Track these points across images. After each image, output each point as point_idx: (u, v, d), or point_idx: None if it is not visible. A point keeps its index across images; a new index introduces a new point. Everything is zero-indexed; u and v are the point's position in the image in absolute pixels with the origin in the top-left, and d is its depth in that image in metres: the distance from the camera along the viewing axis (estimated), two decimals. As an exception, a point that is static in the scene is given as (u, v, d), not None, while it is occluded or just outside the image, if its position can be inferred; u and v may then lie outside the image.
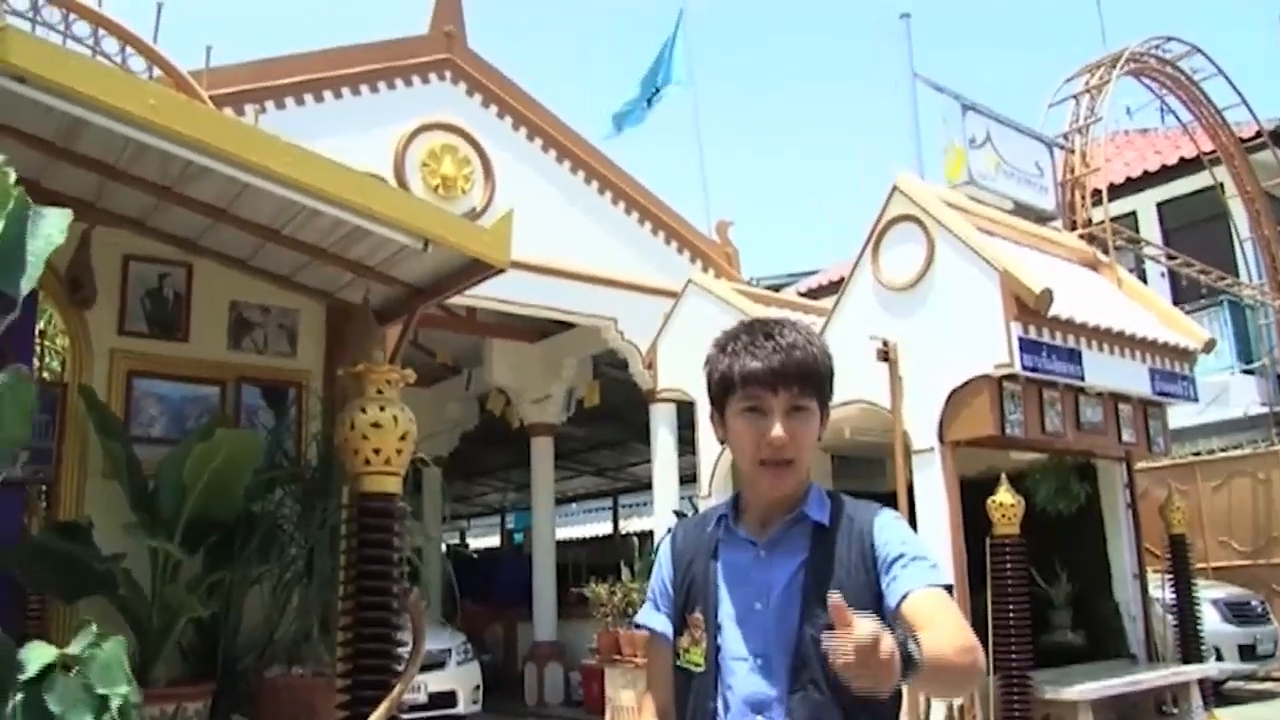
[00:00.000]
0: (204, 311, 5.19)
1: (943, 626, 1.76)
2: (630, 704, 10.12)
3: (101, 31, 5.53)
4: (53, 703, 2.63)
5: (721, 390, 1.98)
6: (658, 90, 14.32)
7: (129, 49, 5.56)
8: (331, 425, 4.84)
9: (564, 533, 22.84)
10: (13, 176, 2.56)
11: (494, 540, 27.89)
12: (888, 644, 1.55)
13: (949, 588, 1.87)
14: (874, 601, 1.84)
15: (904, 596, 1.83)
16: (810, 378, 1.93)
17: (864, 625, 1.53)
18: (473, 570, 17.71)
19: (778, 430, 1.89)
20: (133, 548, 4.48)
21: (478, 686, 11.18)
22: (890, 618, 1.80)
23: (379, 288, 4.96)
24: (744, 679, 1.90)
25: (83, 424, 4.75)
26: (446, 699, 10.72)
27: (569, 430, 15.13)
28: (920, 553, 1.89)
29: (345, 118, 9.95)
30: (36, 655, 2.81)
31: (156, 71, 5.68)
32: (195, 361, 5.12)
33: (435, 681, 10.59)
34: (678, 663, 2.00)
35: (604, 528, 24.54)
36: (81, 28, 5.49)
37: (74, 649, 2.77)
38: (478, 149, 10.92)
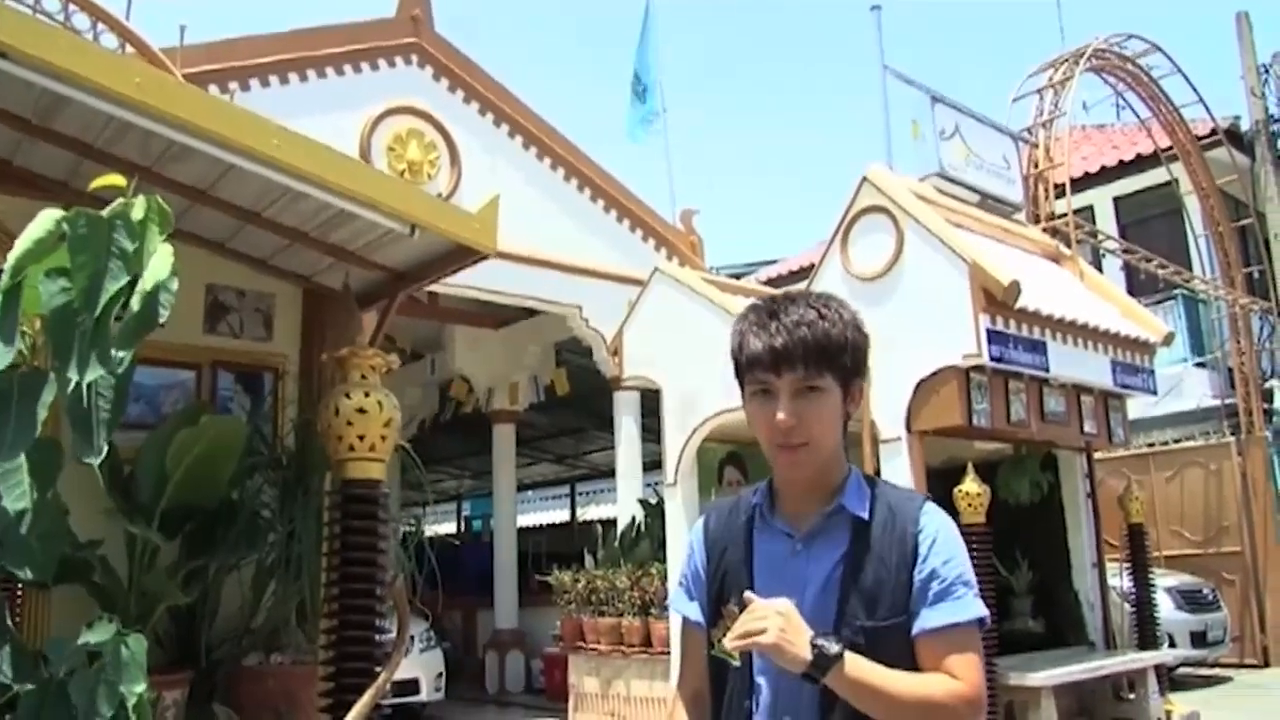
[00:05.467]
0: (179, 295, 5.08)
1: (924, 678, 1.77)
2: (594, 690, 10.15)
3: (72, 7, 5.42)
4: (76, 697, 2.60)
5: (736, 373, 1.94)
6: (641, 84, 14.22)
7: (100, 25, 5.45)
8: (310, 410, 4.79)
9: (521, 520, 22.77)
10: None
11: (450, 527, 27.76)
12: (783, 605, 1.70)
13: (980, 620, 1.82)
14: (910, 602, 1.83)
15: (925, 632, 1.81)
16: (820, 355, 1.83)
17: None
18: (431, 557, 17.60)
19: (780, 414, 1.82)
20: (109, 534, 4.41)
21: (440, 674, 11.17)
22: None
23: (359, 272, 4.91)
24: (776, 676, 1.85)
25: (57, 408, 4.66)
26: (409, 686, 10.67)
27: (530, 417, 15.10)
28: (958, 575, 1.84)
29: (311, 100, 9.84)
30: (62, 650, 2.78)
31: (129, 49, 5.58)
32: (170, 345, 5.01)
33: (398, 669, 10.53)
34: (712, 652, 1.96)
35: (561, 515, 24.50)
36: (52, 3, 5.37)
37: (93, 640, 2.73)
38: (444, 134, 10.87)
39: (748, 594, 1.79)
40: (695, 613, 2.03)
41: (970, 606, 1.82)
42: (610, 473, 12.74)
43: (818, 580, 1.85)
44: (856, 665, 1.70)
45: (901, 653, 1.78)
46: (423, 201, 4.32)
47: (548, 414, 15.63)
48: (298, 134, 3.91)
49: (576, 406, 14.91)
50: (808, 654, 1.67)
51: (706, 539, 2.06)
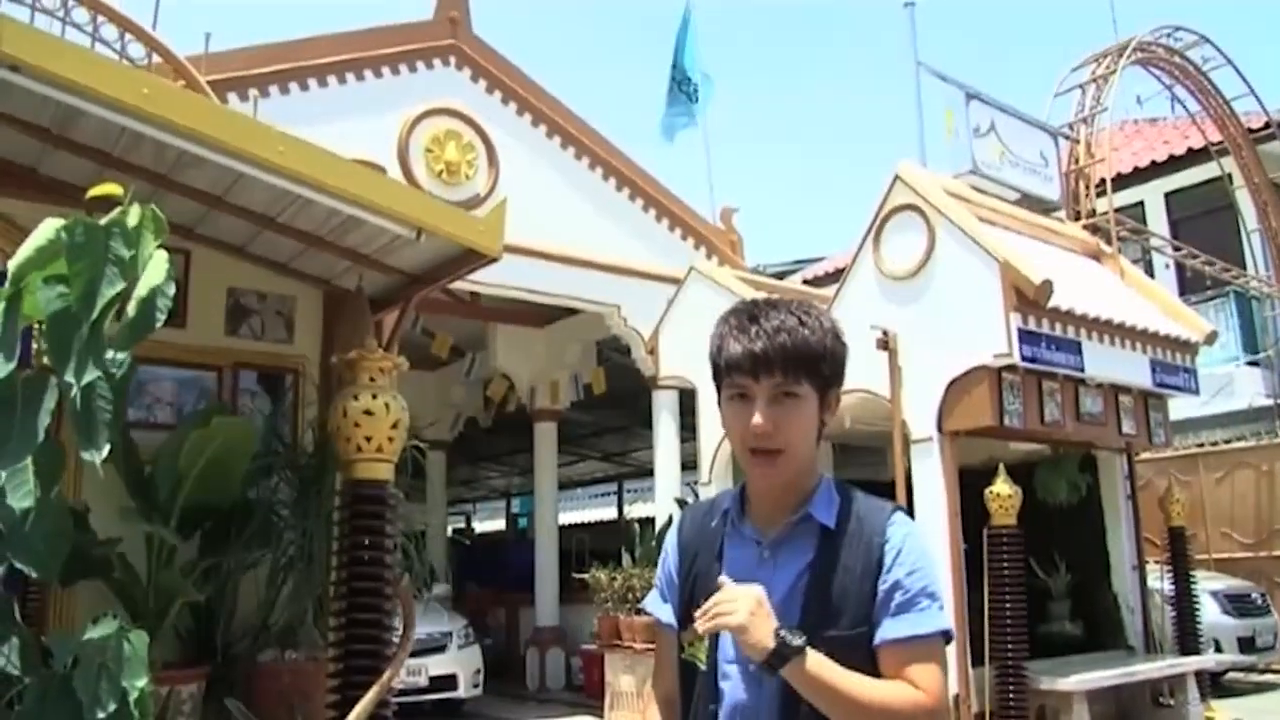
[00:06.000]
0: (201, 298, 5.19)
1: (885, 684, 1.77)
2: (629, 689, 10.18)
3: (101, 18, 5.55)
4: (81, 691, 2.69)
5: (714, 376, 1.94)
6: (690, 84, 14.19)
7: (128, 35, 5.57)
8: (327, 412, 4.86)
9: (569, 517, 22.89)
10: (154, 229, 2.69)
11: (500, 524, 27.97)
12: (757, 590, 1.73)
13: (944, 633, 1.82)
14: (874, 613, 1.83)
15: (885, 642, 1.80)
16: (799, 361, 1.83)
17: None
18: (477, 554, 17.77)
19: (757, 418, 1.82)
20: (129, 532, 4.51)
21: (479, 670, 11.26)
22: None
23: (375, 275, 4.98)
24: (736, 684, 1.87)
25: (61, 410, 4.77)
26: (447, 682, 10.81)
27: (573, 415, 15.17)
28: (923, 585, 1.83)
29: (350, 103, 9.98)
30: (64, 645, 2.88)
31: (155, 58, 5.70)
32: (193, 348, 5.13)
33: (436, 665, 10.67)
34: (682, 655, 1.98)
35: (609, 513, 24.60)
36: (80, 14, 5.51)
37: (96, 636, 2.82)
38: (482, 135, 10.95)
39: (721, 578, 1.80)
40: (668, 615, 2.05)
41: (933, 619, 1.81)
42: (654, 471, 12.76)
43: (782, 588, 1.84)
44: (817, 662, 1.71)
45: (864, 663, 1.78)
46: (427, 206, 4.36)
47: (590, 412, 15.68)
48: (302, 141, 3.98)
49: (619, 405, 14.96)
50: (771, 642, 1.69)
51: (680, 542, 2.08)
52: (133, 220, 2.73)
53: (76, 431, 2.62)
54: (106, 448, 2.62)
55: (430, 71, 10.80)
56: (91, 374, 2.61)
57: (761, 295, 2.06)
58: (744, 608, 1.71)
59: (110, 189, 2.85)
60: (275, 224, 4.65)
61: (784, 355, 1.83)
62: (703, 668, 1.92)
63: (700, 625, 1.76)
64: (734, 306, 1.97)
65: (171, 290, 2.73)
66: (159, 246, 2.77)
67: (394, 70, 10.52)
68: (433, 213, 4.29)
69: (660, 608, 2.08)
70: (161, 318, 2.69)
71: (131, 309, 2.67)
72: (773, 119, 62.03)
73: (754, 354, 1.83)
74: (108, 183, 4.08)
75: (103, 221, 2.70)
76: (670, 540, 2.12)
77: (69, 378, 2.59)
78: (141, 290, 2.70)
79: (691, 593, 1.96)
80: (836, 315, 7.10)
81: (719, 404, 1.95)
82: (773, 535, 1.91)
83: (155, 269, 2.74)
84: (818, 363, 1.86)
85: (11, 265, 2.61)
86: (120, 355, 2.68)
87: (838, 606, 1.81)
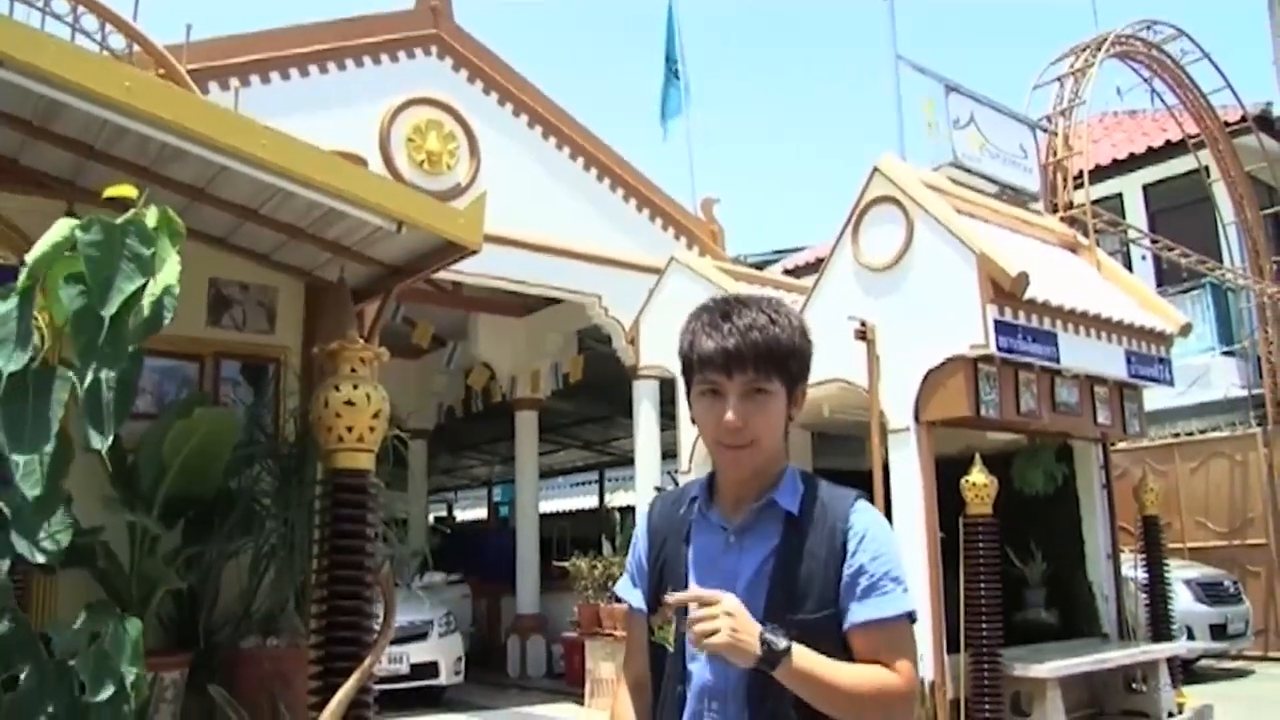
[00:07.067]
0: (183, 289, 5.16)
1: (863, 669, 1.83)
2: (609, 676, 10.26)
3: (81, 9, 5.55)
4: (82, 675, 2.76)
5: (685, 371, 1.99)
6: (676, 75, 14.28)
7: (108, 26, 5.58)
8: (308, 402, 4.89)
9: (551, 505, 22.92)
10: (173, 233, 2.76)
11: (481, 513, 27.98)
12: (731, 603, 1.76)
13: (909, 614, 1.89)
14: (839, 597, 1.88)
15: (855, 626, 1.86)
16: (769, 359, 1.88)
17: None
18: (459, 543, 17.80)
19: (729, 414, 1.87)
20: (112, 521, 4.54)
21: (460, 658, 11.32)
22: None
23: (356, 266, 5.01)
24: (703, 666, 1.92)
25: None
26: (428, 670, 10.86)
27: (554, 404, 15.21)
28: (886, 569, 1.88)
29: (331, 93, 9.98)
30: (63, 632, 2.95)
31: (136, 48, 5.70)
32: (174, 338, 5.10)
33: (417, 653, 10.72)
34: (652, 638, 2.03)
35: (591, 501, 24.64)
36: (60, 4, 5.51)
37: (92, 625, 2.89)
38: (463, 124, 10.97)
39: (668, 596, 1.88)
40: (638, 600, 2.11)
41: (898, 601, 1.88)
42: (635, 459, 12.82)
43: (748, 573, 1.91)
44: (803, 657, 1.77)
45: (830, 645, 1.84)
46: (408, 199, 4.40)
47: (572, 401, 15.73)
48: (286, 135, 4.01)
49: (600, 394, 15.01)
50: (758, 649, 1.74)
51: (650, 529, 2.13)
52: (151, 221, 2.82)
53: (88, 422, 2.70)
54: (112, 436, 2.72)
55: (412, 61, 10.81)
56: (114, 367, 2.70)
57: (732, 292, 2.11)
58: (725, 625, 1.75)
59: (125, 190, 2.93)
60: (258, 216, 4.68)
61: (756, 352, 1.88)
62: (671, 650, 1.98)
63: (695, 647, 1.81)
64: (705, 304, 2.02)
65: (177, 290, 2.82)
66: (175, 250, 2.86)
67: (375, 60, 10.52)
68: (413, 205, 4.33)
69: (631, 592, 2.14)
70: (169, 315, 2.79)
71: (146, 306, 2.76)
72: (757, 112, 62.16)
73: (727, 351, 1.88)
74: (90, 175, 4.14)
75: (118, 221, 2.78)
76: (640, 527, 2.18)
77: (90, 373, 2.67)
78: (155, 289, 2.78)
79: (660, 577, 2.02)
80: (815, 305, 7.15)
81: (688, 399, 2.01)
82: (739, 521, 1.97)
83: (169, 270, 2.83)
84: (787, 360, 1.92)
85: (28, 259, 2.70)
86: (130, 350, 2.78)
87: (803, 591, 1.87)
